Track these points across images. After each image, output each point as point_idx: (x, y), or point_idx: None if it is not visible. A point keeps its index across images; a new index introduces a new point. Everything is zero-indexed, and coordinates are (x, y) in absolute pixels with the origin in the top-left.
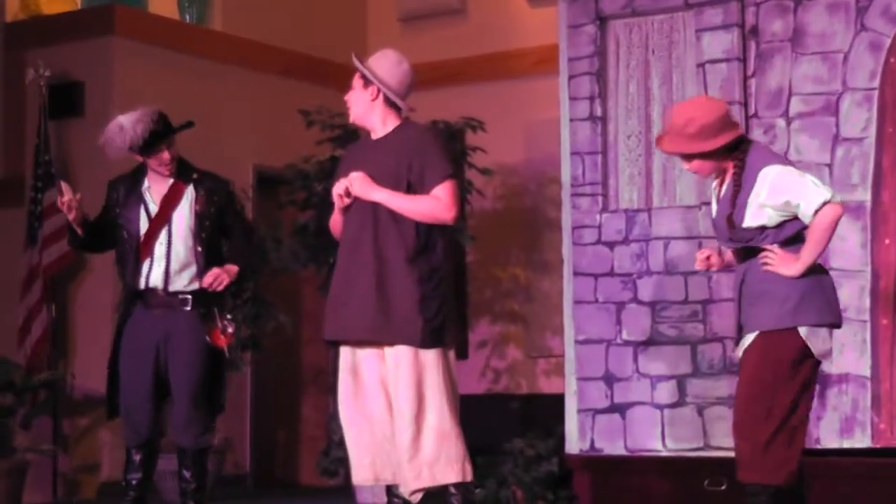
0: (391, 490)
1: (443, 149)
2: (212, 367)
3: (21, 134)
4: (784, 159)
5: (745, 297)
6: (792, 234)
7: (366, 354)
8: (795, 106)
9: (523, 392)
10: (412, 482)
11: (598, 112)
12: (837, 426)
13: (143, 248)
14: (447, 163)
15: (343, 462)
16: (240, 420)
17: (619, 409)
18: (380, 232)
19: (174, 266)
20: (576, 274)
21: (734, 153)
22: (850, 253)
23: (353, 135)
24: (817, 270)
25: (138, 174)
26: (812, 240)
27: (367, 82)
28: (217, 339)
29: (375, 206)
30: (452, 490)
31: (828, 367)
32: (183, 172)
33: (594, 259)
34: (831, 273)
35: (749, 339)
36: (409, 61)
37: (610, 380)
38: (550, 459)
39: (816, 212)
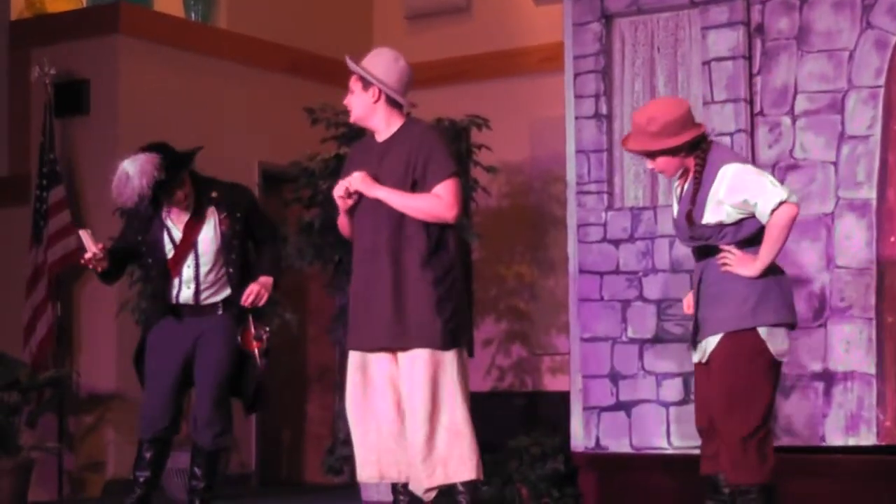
0: (396, 488)
1: (446, 147)
2: (239, 369)
3: (26, 132)
4: (744, 158)
5: (704, 296)
6: (750, 233)
7: (377, 354)
8: (801, 104)
9: (528, 390)
10: (426, 481)
11: (604, 110)
12: (843, 424)
13: (172, 272)
14: (450, 161)
15: (348, 460)
16: (245, 418)
17: (625, 406)
18: (393, 237)
19: (203, 286)
20: (581, 272)
21: (696, 151)
22: (855, 251)
23: (358, 132)
24: (774, 271)
25: None
26: (769, 239)
27: (366, 84)
28: (249, 343)
29: (387, 211)
30: (460, 488)
31: (834, 365)
32: (201, 195)
33: (599, 257)
34: (837, 271)
35: (714, 341)
36: (404, 58)
37: (615, 378)
38: (556, 457)
39: (773, 211)
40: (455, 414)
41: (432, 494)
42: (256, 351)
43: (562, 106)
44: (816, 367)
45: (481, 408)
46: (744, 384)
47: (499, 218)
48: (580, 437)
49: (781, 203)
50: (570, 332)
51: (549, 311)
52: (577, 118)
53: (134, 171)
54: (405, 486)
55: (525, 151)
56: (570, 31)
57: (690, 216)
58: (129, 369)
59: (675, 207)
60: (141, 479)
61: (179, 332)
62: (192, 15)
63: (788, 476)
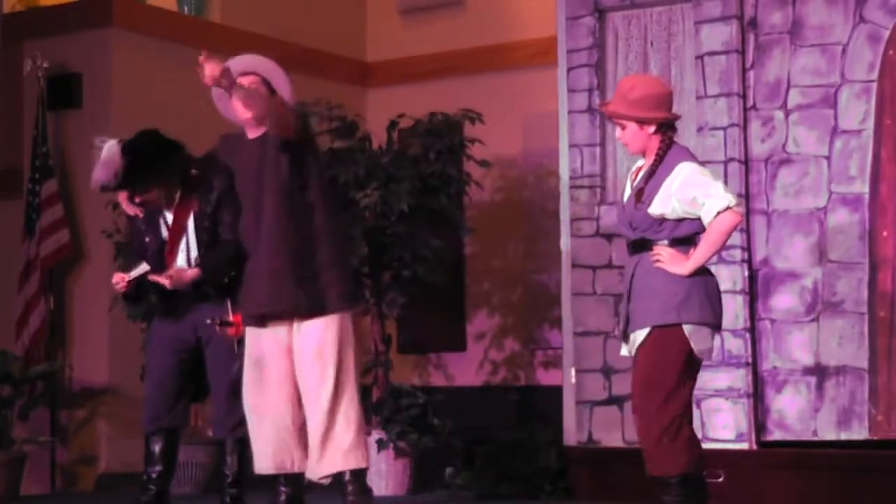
0: (278, 479)
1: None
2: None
3: (19, 125)
4: (701, 162)
5: (634, 290)
6: (686, 234)
7: (271, 345)
8: (794, 98)
9: (521, 384)
10: (324, 468)
11: (597, 104)
12: (835, 418)
13: (168, 259)
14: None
15: None
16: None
17: (618, 401)
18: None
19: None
20: (574, 266)
21: (662, 138)
22: (848, 245)
23: (350, 127)
24: (703, 272)
25: None
26: (707, 241)
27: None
28: (224, 331)
29: (258, 199)
30: (348, 476)
31: (826, 360)
32: (187, 181)
33: (592, 251)
34: (830, 266)
35: (641, 334)
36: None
37: (608, 372)
38: (548, 451)
39: (718, 214)
40: (352, 401)
41: (328, 480)
42: (233, 338)
43: (555, 100)
44: (809, 361)
45: (474, 402)
46: (666, 381)
47: (492, 212)
48: (573, 431)
49: (728, 208)
50: (562, 327)
51: (542, 306)
52: (570, 112)
53: (101, 159)
54: (287, 477)
55: (518, 146)
56: (563, 25)
57: (640, 194)
58: (121, 363)
59: (627, 192)
60: (154, 475)
61: (175, 323)
62: (186, 8)
63: (780, 470)
